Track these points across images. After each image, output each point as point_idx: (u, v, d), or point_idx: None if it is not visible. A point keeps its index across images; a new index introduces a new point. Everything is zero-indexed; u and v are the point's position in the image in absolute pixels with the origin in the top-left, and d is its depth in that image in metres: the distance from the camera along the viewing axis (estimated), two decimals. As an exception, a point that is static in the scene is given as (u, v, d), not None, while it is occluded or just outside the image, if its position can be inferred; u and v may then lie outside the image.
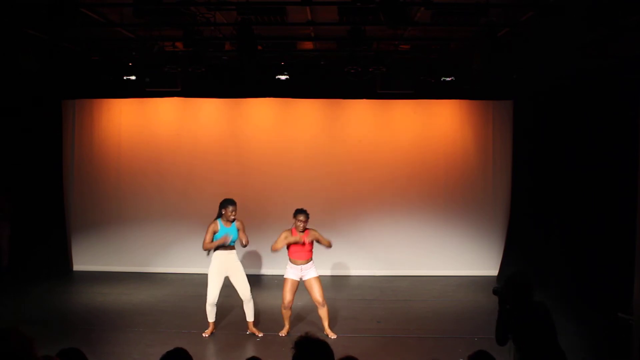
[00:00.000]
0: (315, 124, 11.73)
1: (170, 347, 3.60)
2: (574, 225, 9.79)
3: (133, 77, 10.27)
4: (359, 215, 11.47)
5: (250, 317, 7.91)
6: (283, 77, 10.38)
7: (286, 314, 7.86)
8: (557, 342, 4.66)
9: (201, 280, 11.03)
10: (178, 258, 11.57)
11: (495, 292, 4.80)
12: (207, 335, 7.80)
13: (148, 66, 9.77)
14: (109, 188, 11.71)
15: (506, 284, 4.77)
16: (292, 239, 7.59)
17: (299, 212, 7.67)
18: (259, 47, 8.89)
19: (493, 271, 11.41)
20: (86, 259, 11.68)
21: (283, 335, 7.82)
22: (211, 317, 7.83)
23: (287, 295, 7.71)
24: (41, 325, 7.82)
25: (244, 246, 7.72)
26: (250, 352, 7.24)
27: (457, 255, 11.58)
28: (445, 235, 11.61)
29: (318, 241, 7.75)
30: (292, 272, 7.73)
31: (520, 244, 10.92)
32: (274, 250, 7.67)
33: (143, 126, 11.74)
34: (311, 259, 7.77)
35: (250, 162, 11.57)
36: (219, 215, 7.73)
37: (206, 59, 9.20)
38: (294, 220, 7.65)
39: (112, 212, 11.68)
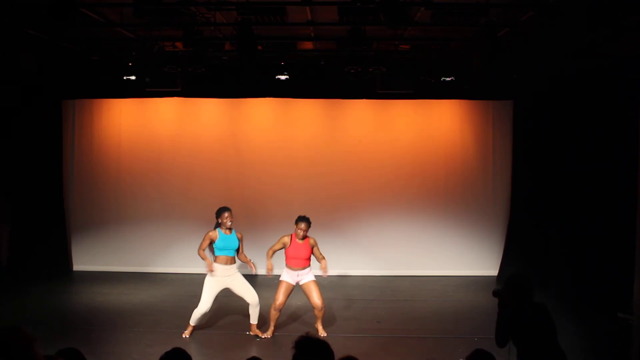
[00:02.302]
0: (315, 124, 11.73)
1: (170, 347, 3.60)
2: (574, 225, 9.79)
3: (133, 77, 10.26)
4: (359, 215, 11.47)
5: (254, 319, 7.81)
6: (283, 77, 10.37)
7: (275, 315, 7.76)
8: (558, 343, 4.66)
9: (201, 280, 11.02)
10: (178, 258, 11.57)
11: (495, 293, 4.80)
12: (187, 337, 7.69)
13: (148, 66, 9.76)
14: (109, 188, 11.71)
15: (506, 286, 4.77)
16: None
17: (301, 219, 7.62)
18: (259, 47, 8.88)
19: (493, 271, 11.41)
20: (86, 259, 11.68)
21: (268, 336, 7.72)
22: (193, 321, 7.73)
23: (280, 297, 7.65)
24: (41, 325, 7.82)
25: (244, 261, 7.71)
26: (250, 352, 7.23)
27: (457, 255, 11.58)
28: (445, 235, 11.61)
29: (312, 252, 7.70)
30: (288, 276, 7.71)
31: (520, 244, 10.92)
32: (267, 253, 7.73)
33: (143, 126, 11.75)
34: (308, 266, 7.72)
35: (250, 162, 11.57)
36: (217, 225, 7.67)
37: (206, 59, 9.20)
38: (295, 227, 7.62)
39: (112, 212, 11.68)
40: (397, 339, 7.83)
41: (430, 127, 11.69)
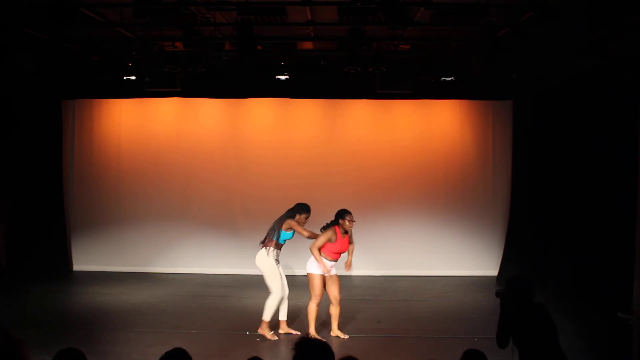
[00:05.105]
0: (315, 124, 11.73)
1: (170, 347, 3.59)
2: (574, 225, 9.78)
3: (133, 77, 10.27)
4: (359, 215, 11.35)
5: (283, 316, 7.83)
6: (283, 77, 10.38)
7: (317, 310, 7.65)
8: (559, 344, 4.65)
9: (201, 280, 11.10)
10: (178, 258, 11.58)
11: (498, 293, 4.80)
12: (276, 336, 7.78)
13: (148, 66, 9.77)
14: (109, 188, 11.71)
15: (506, 287, 4.76)
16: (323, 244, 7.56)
17: (347, 212, 7.59)
18: (259, 47, 8.89)
19: (493, 271, 11.41)
20: (86, 259, 11.68)
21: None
22: (281, 316, 7.84)
23: (322, 291, 7.57)
24: (41, 325, 7.82)
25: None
26: (250, 352, 7.22)
27: (457, 255, 11.59)
28: (445, 235, 11.61)
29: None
30: (320, 269, 7.53)
31: (520, 244, 10.92)
32: (317, 250, 7.49)
33: (143, 126, 11.75)
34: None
35: (250, 163, 11.57)
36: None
37: (206, 59, 9.20)
38: (341, 221, 7.54)
39: (112, 212, 11.68)
40: (397, 339, 7.83)
41: (430, 127, 11.69)
